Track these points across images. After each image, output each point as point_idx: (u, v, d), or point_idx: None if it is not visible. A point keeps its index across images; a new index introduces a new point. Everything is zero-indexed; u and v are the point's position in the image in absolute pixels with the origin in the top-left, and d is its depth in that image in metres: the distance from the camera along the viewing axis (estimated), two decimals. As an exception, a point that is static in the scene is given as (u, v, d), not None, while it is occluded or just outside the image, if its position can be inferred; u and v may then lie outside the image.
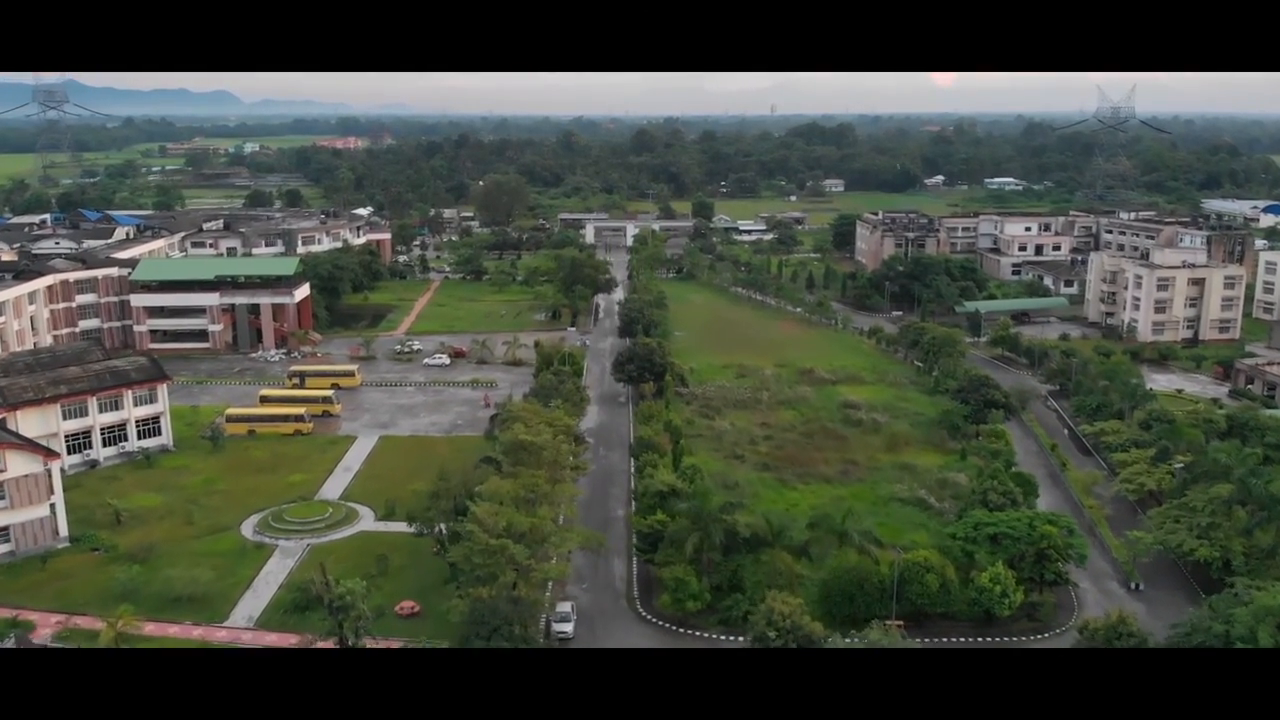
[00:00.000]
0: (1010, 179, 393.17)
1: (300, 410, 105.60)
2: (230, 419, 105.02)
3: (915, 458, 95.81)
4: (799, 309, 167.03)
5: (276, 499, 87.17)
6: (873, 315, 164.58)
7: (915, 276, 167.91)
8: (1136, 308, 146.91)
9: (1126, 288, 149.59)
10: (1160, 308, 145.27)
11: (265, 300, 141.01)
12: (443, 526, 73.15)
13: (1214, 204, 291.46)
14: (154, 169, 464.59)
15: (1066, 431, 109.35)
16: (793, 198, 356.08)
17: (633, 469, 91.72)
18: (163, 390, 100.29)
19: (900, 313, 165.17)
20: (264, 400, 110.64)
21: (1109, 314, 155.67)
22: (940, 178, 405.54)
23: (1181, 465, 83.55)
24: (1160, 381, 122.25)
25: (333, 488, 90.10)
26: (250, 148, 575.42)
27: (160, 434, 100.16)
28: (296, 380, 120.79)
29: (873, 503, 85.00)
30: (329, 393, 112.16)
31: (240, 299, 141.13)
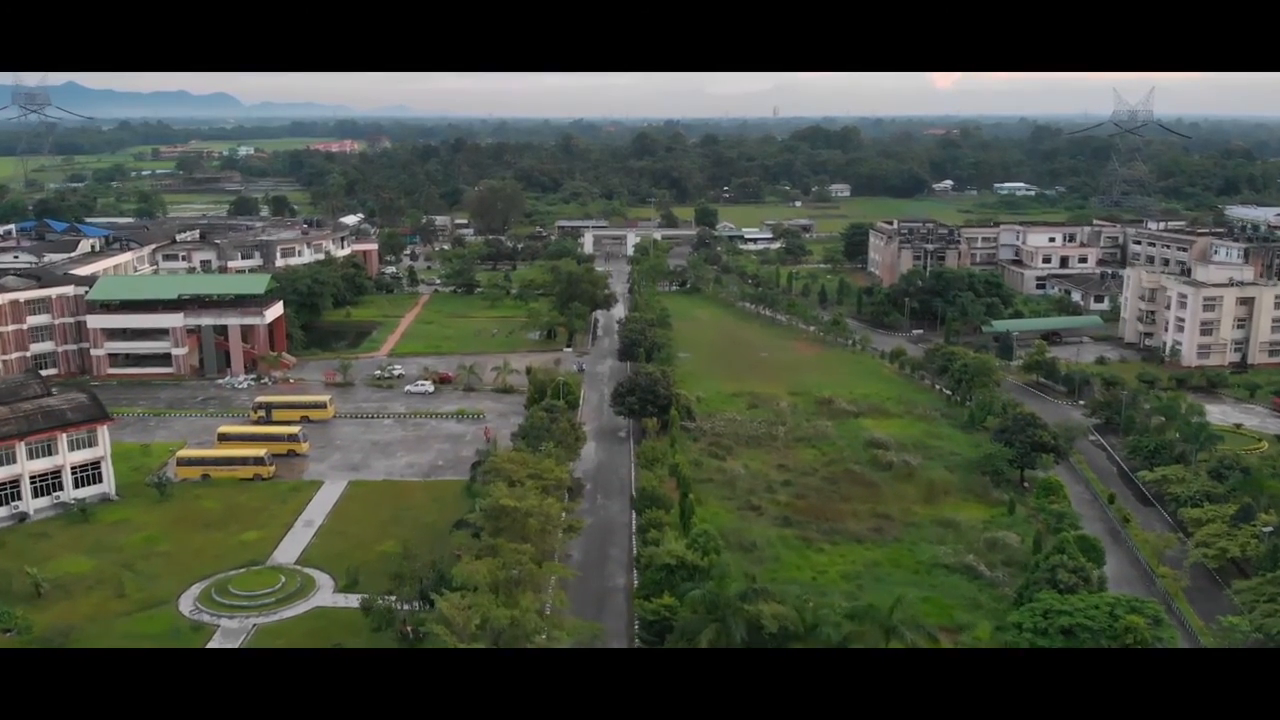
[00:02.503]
0: (1021, 184, 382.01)
1: (261, 451, 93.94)
2: (181, 462, 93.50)
3: (956, 510, 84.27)
4: (812, 327, 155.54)
5: (224, 563, 75.65)
6: (892, 334, 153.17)
7: (937, 292, 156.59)
8: (1180, 329, 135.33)
9: (1168, 307, 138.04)
10: (1206, 329, 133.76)
11: (233, 321, 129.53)
12: (403, 605, 61.81)
13: (1236, 211, 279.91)
14: (143, 173, 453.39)
15: (1115, 469, 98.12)
16: (798, 203, 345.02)
17: (634, 527, 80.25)
18: (103, 432, 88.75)
19: (921, 331, 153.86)
20: (222, 439, 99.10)
21: (1147, 334, 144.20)
22: (949, 183, 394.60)
23: (1271, 529, 72.10)
24: (1214, 414, 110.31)
25: (290, 548, 78.51)
26: (245, 151, 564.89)
27: (101, 481, 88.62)
28: (262, 413, 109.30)
29: (913, 570, 73.50)
30: (295, 430, 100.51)
31: (206, 320, 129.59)
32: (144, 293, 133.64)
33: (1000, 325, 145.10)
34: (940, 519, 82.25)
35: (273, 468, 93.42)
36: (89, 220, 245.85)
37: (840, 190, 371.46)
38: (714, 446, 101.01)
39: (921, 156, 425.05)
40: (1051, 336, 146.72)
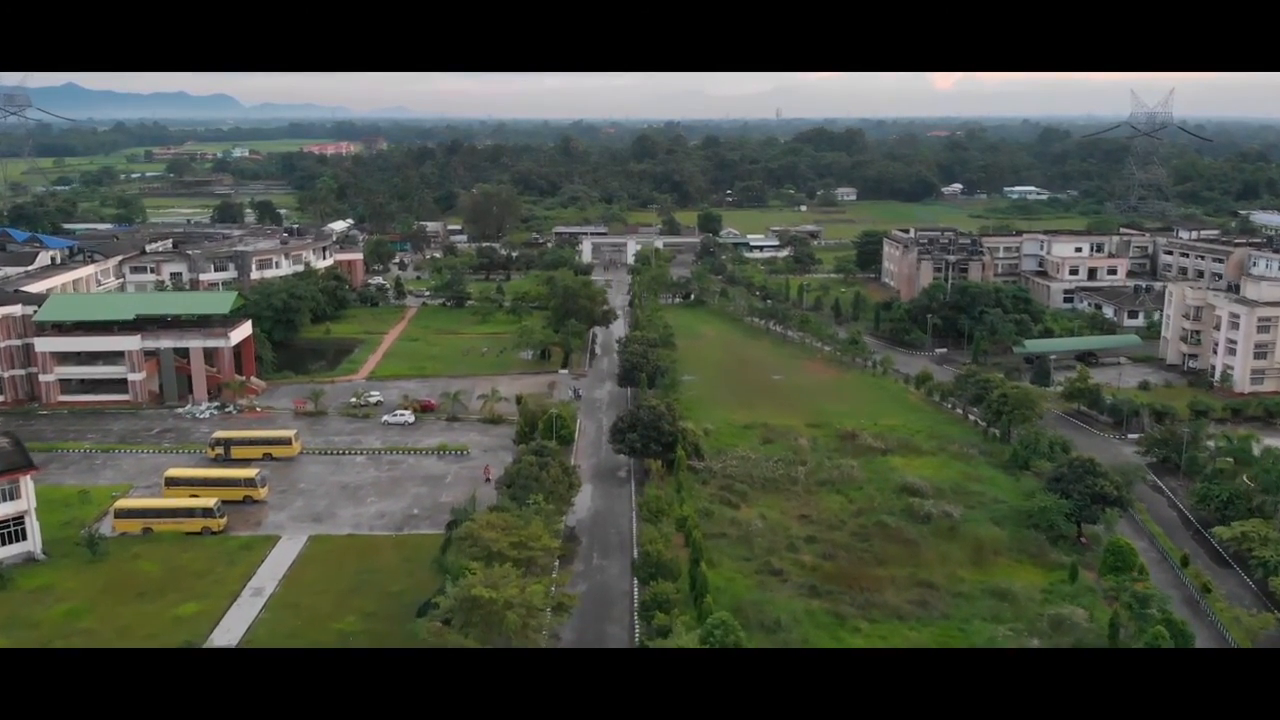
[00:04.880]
0: (1032, 187, 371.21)
1: (211, 501, 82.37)
2: (120, 513, 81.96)
3: (1010, 576, 72.78)
4: (827, 346, 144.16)
5: (155, 644, 64.33)
6: (913, 353, 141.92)
7: (961, 308, 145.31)
8: (1231, 352, 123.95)
9: (1217, 327, 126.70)
10: (1260, 352, 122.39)
11: (196, 343, 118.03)
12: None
13: (1259, 216, 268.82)
14: (133, 175, 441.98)
15: (1178, 516, 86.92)
16: (803, 208, 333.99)
17: (636, 601, 68.88)
18: (26, 483, 77.16)
19: (944, 350, 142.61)
20: (170, 484, 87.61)
21: (1191, 356, 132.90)
22: (958, 186, 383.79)
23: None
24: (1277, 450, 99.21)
25: (233, 625, 67.04)
26: (239, 153, 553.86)
27: (24, 538, 77.14)
28: (220, 449, 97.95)
29: (966, 658, 62.16)
30: (253, 474, 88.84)
31: (166, 342, 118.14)
32: (98, 312, 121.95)
33: (1033, 346, 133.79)
34: (992, 587, 70.72)
35: (224, 519, 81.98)
36: (68, 226, 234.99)
37: (846, 194, 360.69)
38: (726, 491, 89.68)
39: (929, 159, 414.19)
40: (1086, 357, 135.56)
